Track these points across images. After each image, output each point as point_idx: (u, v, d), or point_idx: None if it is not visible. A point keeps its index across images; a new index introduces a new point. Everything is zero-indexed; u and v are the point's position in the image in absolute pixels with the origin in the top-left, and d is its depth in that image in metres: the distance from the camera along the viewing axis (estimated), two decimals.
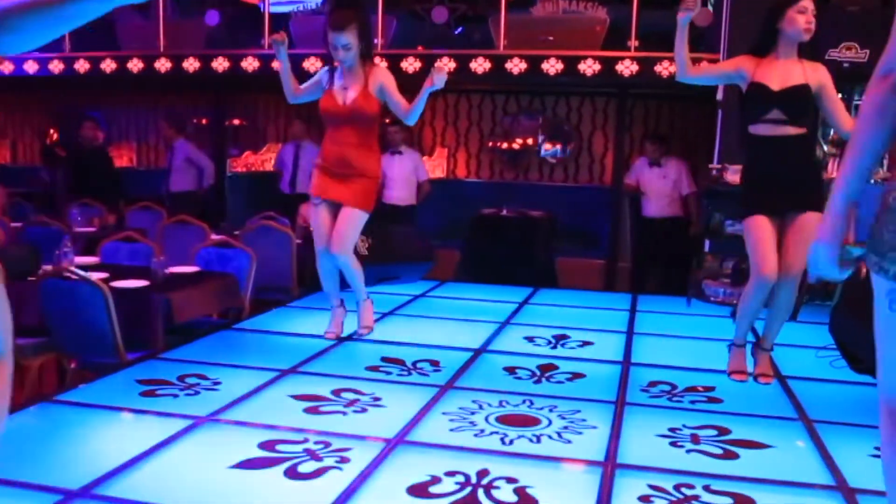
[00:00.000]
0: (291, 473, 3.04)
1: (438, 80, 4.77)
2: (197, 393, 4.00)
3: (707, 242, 6.98)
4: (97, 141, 9.25)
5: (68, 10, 1.68)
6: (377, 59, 5.06)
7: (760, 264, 4.19)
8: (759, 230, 4.20)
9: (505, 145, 10.21)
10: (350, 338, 5.19)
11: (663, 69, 7.50)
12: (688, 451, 3.39)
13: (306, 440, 3.38)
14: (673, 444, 3.47)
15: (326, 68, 5.11)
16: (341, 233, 5.00)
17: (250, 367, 4.44)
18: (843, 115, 4.18)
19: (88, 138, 9.23)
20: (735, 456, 3.35)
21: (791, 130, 4.12)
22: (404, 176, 8.55)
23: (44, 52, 9.16)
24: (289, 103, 5.27)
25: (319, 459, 3.18)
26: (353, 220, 5.01)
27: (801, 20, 4.08)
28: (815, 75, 4.13)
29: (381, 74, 4.97)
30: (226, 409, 3.76)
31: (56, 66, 9.10)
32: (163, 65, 8.79)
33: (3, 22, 1.65)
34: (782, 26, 4.13)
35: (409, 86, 5.30)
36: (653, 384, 4.35)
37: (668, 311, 6.35)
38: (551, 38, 8.12)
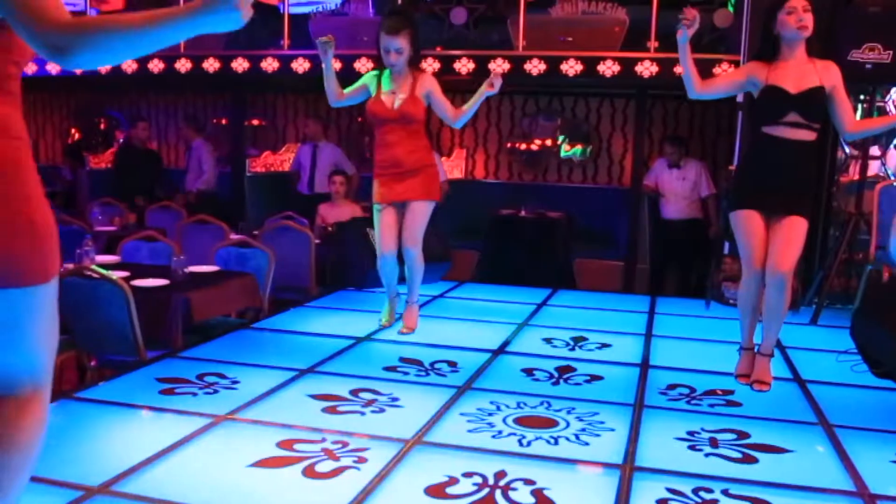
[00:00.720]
0: (309, 473, 3.05)
1: (497, 84, 4.92)
2: (216, 392, 4.01)
3: (726, 244, 6.94)
4: (149, 142, 9.34)
5: (149, 36, 1.73)
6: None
7: (747, 257, 4.25)
8: (747, 224, 4.25)
9: (523, 146, 10.20)
10: (369, 337, 5.20)
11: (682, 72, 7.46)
12: (706, 455, 3.37)
13: (324, 440, 3.39)
14: (691, 447, 3.46)
15: (373, 72, 5.22)
16: (411, 227, 5.19)
17: (269, 367, 4.46)
18: (849, 117, 4.22)
19: (142, 139, 9.34)
20: (754, 460, 3.34)
21: (807, 135, 4.14)
22: None
23: None
24: (331, 105, 5.31)
25: (337, 459, 3.19)
26: (422, 211, 5.20)
27: (792, 20, 4.09)
28: (828, 75, 4.14)
29: (429, 81, 5.13)
30: (244, 407, 3.77)
31: None
32: (183, 65, 8.83)
33: (85, 40, 1.68)
34: (778, 31, 4.16)
35: None
36: (671, 387, 4.33)
37: (686, 314, 6.32)
38: (570, 38, 8.11)
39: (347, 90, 5.25)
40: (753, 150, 4.37)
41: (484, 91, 4.98)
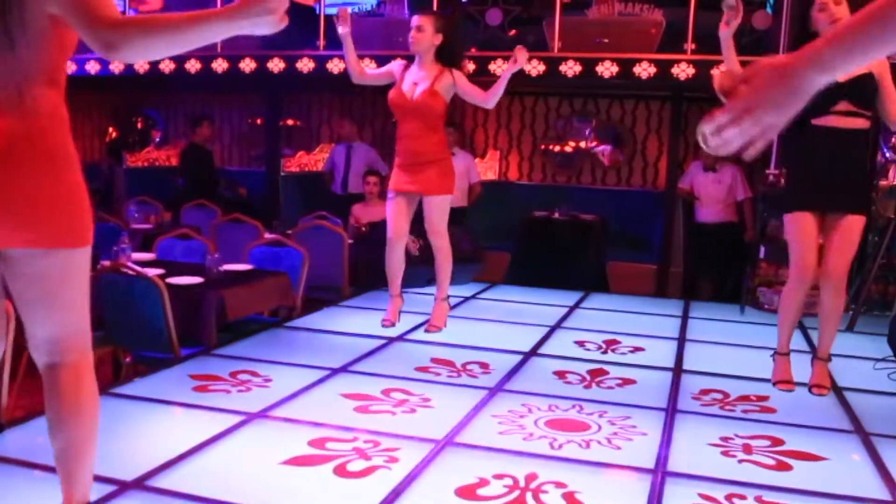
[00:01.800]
0: (340, 471, 3.06)
1: (521, 59, 4.97)
2: (248, 389, 4.04)
3: (762, 249, 6.87)
4: (212, 141, 9.44)
5: (188, 36, 1.90)
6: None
7: (798, 262, 4.17)
8: (801, 227, 4.17)
9: (557, 148, 10.17)
10: (401, 337, 5.20)
11: (720, 72, 7.40)
12: (739, 461, 3.34)
13: (355, 439, 3.40)
14: (724, 453, 3.43)
15: (401, 61, 5.26)
16: (432, 220, 5.23)
17: (301, 365, 4.48)
18: (894, 106, 4.08)
19: (207, 138, 9.44)
20: (788, 467, 3.30)
21: (858, 123, 4.06)
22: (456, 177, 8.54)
23: None
24: (353, 83, 5.28)
25: (368, 458, 3.19)
26: (439, 205, 5.22)
27: (824, 17, 4.03)
28: (876, 63, 4.02)
29: (452, 75, 5.12)
30: (276, 405, 3.79)
31: (117, 66, 9.25)
32: (220, 65, 8.89)
33: (133, 38, 1.88)
34: (815, 28, 4.10)
35: None
36: (704, 392, 4.29)
37: (720, 319, 6.26)
38: (606, 40, 8.06)
39: (371, 71, 5.33)
40: (804, 146, 4.23)
41: (510, 68, 4.99)
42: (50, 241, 2.11)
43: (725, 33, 4.16)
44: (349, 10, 4.97)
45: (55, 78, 2.09)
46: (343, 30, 5.03)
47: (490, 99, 5.11)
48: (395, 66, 5.24)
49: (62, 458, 2.22)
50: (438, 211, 5.22)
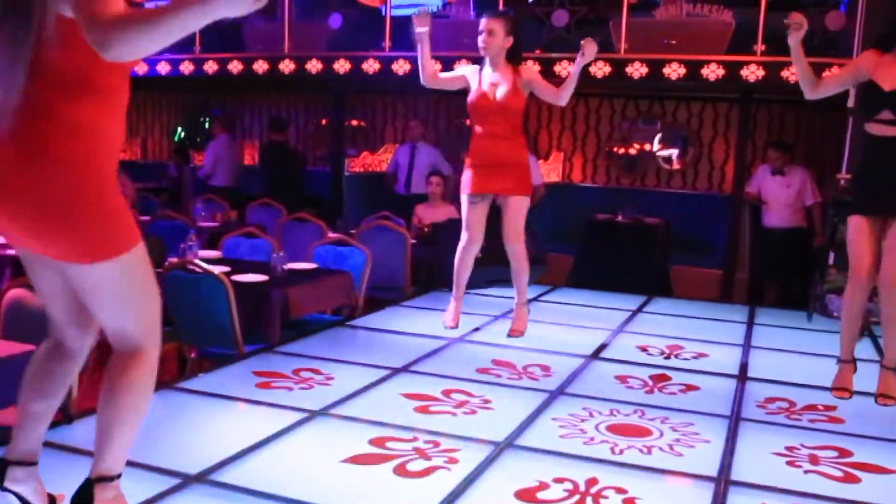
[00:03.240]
0: (400, 471, 3.07)
1: (590, 52, 4.94)
2: (310, 387, 4.08)
3: (831, 255, 6.73)
4: (274, 137, 9.61)
5: (169, 27, 1.87)
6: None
7: (853, 265, 4.14)
8: (857, 231, 4.14)
9: (622, 150, 10.09)
10: (462, 338, 5.20)
11: (791, 74, 7.25)
12: (805, 472, 3.27)
13: (416, 439, 3.41)
14: (790, 463, 3.36)
15: (475, 67, 5.26)
16: (512, 223, 5.21)
17: (363, 364, 4.51)
18: None
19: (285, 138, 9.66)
20: (857, 480, 3.22)
21: None
22: None
23: (175, 53, 9.53)
24: (424, 85, 5.20)
25: (428, 459, 3.20)
26: (521, 208, 5.23)
27: None
28: None
29: (529, 71, 5.20)
30: (338, 404, 3.82)
31: (186, 68, 9.44)
32: (287, 66, 9.01)
33: (118, 36, 1.86)
34: None
35: None
36: (770, 400, 4.21)
37: (787, 326, 6.14)
38: (674, 41, 7.97)
39: (444, 74, 5.32)
40: (863, 151, 4.26)
41: (579, 61, 4.97)
42: (68, 256, 2.16)
43: (794, 41, 4.09)
44: (428, 10, 4.97)
45: (88, 85, 2.09)
46: (421, 30, 5.03)
47: (562, 95, 5.10)
48: (467, 70, 5.27)
49: (97, 429, 2.33)
50: (518, 213, 5.21)
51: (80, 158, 2.09)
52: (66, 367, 2.45)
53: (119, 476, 2.36)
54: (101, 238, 2.16)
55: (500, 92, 5.07)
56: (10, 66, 2.03)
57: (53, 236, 2.13)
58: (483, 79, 5.15)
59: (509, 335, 5.29)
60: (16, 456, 2.41)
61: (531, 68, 5.17)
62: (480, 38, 5.07)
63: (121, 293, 2.25)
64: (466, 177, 5.26)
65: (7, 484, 2.39)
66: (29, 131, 2.05)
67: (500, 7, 8.27)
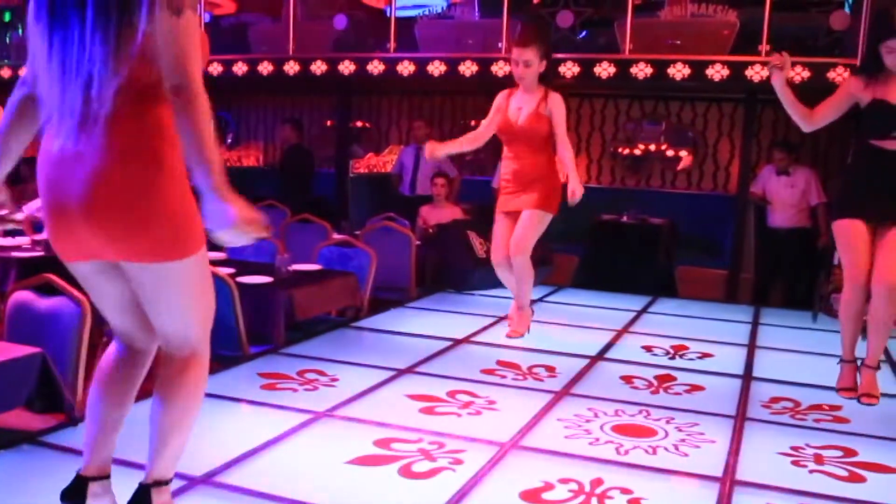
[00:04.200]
0: (405, 472, 3.08)
1: (579, 193, 5.01)
2: (315, 388, 4.09)
3: (836, 255, 6.71)
4: (291, 141, 9.61)
5: (204, 157, 2.07)
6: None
7: (852, 267, 4.18)
8: (852, 234, 4.17)
9: (627, 151, 10.08)
10: (467, 339, 5.21)
11: (796, 74, 7.24)
12: (810, 472, 3.27)
13: (420, 440, 3.41)
14: (795, 463, 3.36)
15: (505, 92, 5.28)
16: (518, 235, 5.18)
17: (367, 366, 4.51)
18: None
19: (283, 138, 9.65)
20: (862, 479, 3.22)
21: None
22: None
23: None
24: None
25: (433, 460, 3.20)
26: (532, 220, 5.17)
27: (890, 59, 4.05)
28: None
29: (555, 103, 5.11)
30: (343, 405, 3.83)
31: None
32: (291, 67, 9.01)
33: (195, 106, 2.07)
34: (882, 58, 4.09)
35: None
36: (775, 400, 4.21)
37: (792, 326, 6.14)
38: (678, 42, 7.96)
39: (484, 126, 5.32)
40: (860, 161, 4.29)
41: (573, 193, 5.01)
42: (136, 255, 2.17)
43: (778, 82, 4.18)
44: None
45: (159, 91, 2.13)
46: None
47: (563, 153, 5.13)
48: (498, 101, 5.27)
49: (152, 434, 2.34)
50: (530, 225, 5.16)
51: (167, 157, 2.14)
52: (138, 370, 2.49)
53: (171, 480, 2.40)
54: (185, 235, 2.20)
55: (523, 116, 5.11)
56: (114, 57, 2.07)
57: (140, 234, 2.14)
58: (511, 102, 5.19)
59: (507, 336, 5.29)
60: (93, 472, 2.43)
61: (560, 101, 5.10)
62: (517, 70, 5.06)
63: (192, 291, 2.30)
64: (499, 199, 5.34)
65: (89, 501, 2.41)
66: (115, 131, 2.09)
67: (506, 9, 8.25)
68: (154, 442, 2.34)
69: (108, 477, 2.46)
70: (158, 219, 2.14)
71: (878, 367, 4.27)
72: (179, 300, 2.28)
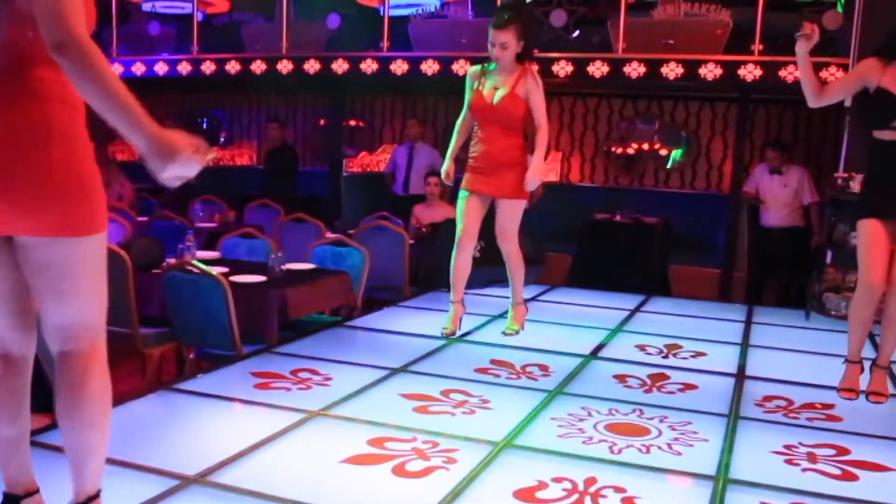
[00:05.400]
0: (399, 471, 3.07)
1: (532, 184, 5.01)
2: (309, 388, 4.08)
3: (829, 254, 6.73)
4: (278, 142, 9.61)
5: (114, 103, 1.94)
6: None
7: (867, 270, 4.12)
8: (871, 235, 4.12)
9: (620, 150, 10.09)
10: (461, 338, 5.21)
11: (788, 74, 7.27)
12: (803, 470, 3.27)
13: (414, 439, 3.40)
14: (788, 461, 3.36)
15: (475, 68, 5.22)
16: (503, 225, 5.18)
17: (361, 365, 4.50)
18: None
19: (272, 139, 9.64)
20: (854, 478, 3.22)
21: None
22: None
23: (173, 54, 9.53)
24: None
25: (427, 459, 3.20)
26: (513, 209, 5.16)
27: None
28: None
29: (532, 83, 5.02)
30: (337, 404, 3.82)
31: (184, 68, 9.43)
32: (284, 66, 9.00)
33: (81, 54, 1.89)
34: None
35: None
36: (768, 399, 4.22)
37: (785, 324, 6.15)
38: (672, 41, 7.97)
39: (462, 119, 5.27)
40: (872, 156, 4.25)
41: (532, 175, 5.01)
42: (50, 229, 2.07)
43: (802, 51, 4.13)
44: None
45: (34, 52, 2.02)
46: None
47: (540, 137, 5.07)
48: (471, 76, 5.19)
49: (70, 454, 2.21)
50: (511, 215, 5.16)
51: (63, 125, 2.05)
52: (21, 380, 2.29)
53: (101, 489, 2.29)
54: (94, 211, 2.12)
55: (498, 96, 5.02)
56: None
57: (50, 206, 2.04)
58: (486, 81, 5.10)
59: (504, 333, 5.29)
60: (20, 490, 2.33)
61: (536, 78, 5.03)
62: (493, 51, 4.97)
63: (96, 272, 2.18)
64: (465, 176, 5.25)
65: None
66: (17, 109, 2.01)
67: (499, 5, 8.24)
68: (75, 461, 2.21)
69: (37, 492, 2.36)
70: (78, 191, 2.07)
71: (889, 367, 4.27)
72: (85, 281, 2.16)
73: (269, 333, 4.68)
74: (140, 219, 7.50)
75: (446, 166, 5.29)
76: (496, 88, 5.04)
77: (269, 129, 9.79)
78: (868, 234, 4.13)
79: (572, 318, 6.01)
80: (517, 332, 5.31)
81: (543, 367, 4.61)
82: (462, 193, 5.21)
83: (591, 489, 2.97)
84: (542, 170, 5.03)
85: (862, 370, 4.35)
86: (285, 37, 9.12)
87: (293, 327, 5.05)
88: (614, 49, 7.99)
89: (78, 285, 2.15)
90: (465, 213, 5.18)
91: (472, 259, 5.29)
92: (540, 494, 2.91)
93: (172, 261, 4.95)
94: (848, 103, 6.68)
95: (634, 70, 7.74)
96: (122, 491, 2.36)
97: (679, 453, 3.39)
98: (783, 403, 4.15)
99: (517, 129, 5.12)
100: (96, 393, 2.20)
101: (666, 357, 5.00)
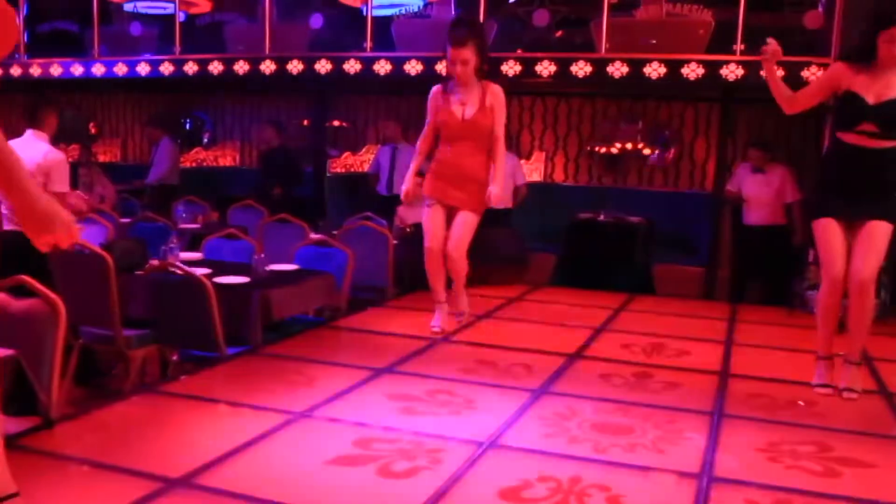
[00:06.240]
0: (384, 472, 3.07)
1: (494, 199, 5.12)
2: (293, 389, 4.07)
3: (811, 252, 6.76)
4: (273, 143, 9.58)
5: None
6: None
7: (829, 266, 4.23)
8: (829, 233, 4.23)
9: (604, 150, 10.10)
10: (446, 338, 5.21)
11: None
12: (787, 467, 3.29)
13: (399, 439, 3.40)
14: (771, 458, 3.38)
15: (437, 88, 5.31)
16: (459, 236, 5.24)
17: (346, 365, 4.50)
18: None
19: (267, 140, 9.63)
20: (838, 474, 3.24)
21: (882, 143, 4.11)
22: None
23: (155, 54, 9.48)
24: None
25: (412, 459, 3.20)
26: (470, 223, 5.26)
27: (888, 49, 4.06)
28: None
29: (496, 97, 5.16)
30: (321, 405, 3.81)
31: (166, 68, 9.38)
32: (267, 66, 8.96)
33: None
34: (877, 48, 4.10)
35: (507, 89, 5.36)
36: (751, 396, 4.24)
37: (768, 322, 6.19)
38: (654, 41, 7.99)
39: (424, 139, 5.39)
40: (832, 157, 4.36)
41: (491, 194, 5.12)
42: None
43: (768, 68, 4.31)
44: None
45: None
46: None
47: (497, 151, 5.18)
48: (434, 96, 5.29)
49: None
50: (470, 228, 5.27)
51: None
52: None
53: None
54: None
55: (469, 112, 5.13)
56: None
57: None
58: (451, 97, 5.19)
59: (459, 320, 5.48)
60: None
61: (500, 94, 5.17)
62: (455, 69, 5.06)
63: None
64: (426, 183, 5.34)
65: None
66: None
67: (482, 10, 8.24)
68: None
69: (16, 494, 2.33)
70: None
71: (859, 362, 4.32)
72: None
73: (252, 335, 4.66)
74: (123, 220, 7.46)
75: (406, 187, 5.36)
76: (463, 104, 5.13)
77: (264, 131, 9.76)
78: (825, 231, 4.24)
79: (556, 318, 6.02)
80: (463, 315, 5.51)
81: (528, 367, 4.62)
82: (427, 201, 5.32)
83: (576, 488, 2.97)
84: (503, 186, 5.15)
85: (833, 365, 4.40)
86: (268, 37, 9.09)
87: (277, 328, 5.04)
88: (597, 49, 8.00)
89: None
90: (432, 224, 5.30)
91: (443, 259, 5.33)
92: (525, 494, 2.92)
93: (156, 262, 4.92)
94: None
95: (617, 70, 7.75)
96: (105, 493, 2.35)
97: (663, 451, 3.40)
98: (767, 401, 4.17)
99: (485, 145, 5.21)
100: None
101: (650, 355, 5.02)
